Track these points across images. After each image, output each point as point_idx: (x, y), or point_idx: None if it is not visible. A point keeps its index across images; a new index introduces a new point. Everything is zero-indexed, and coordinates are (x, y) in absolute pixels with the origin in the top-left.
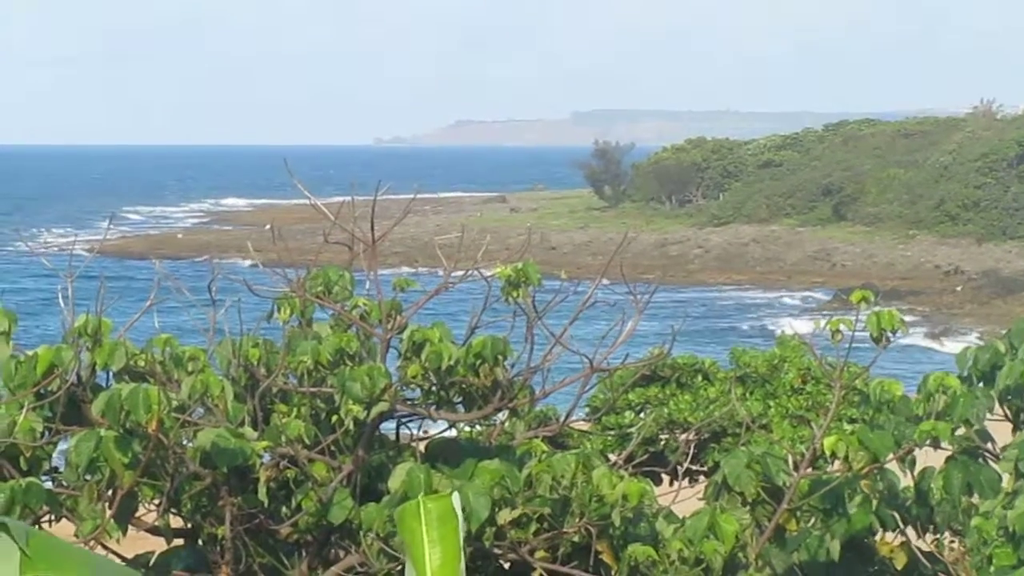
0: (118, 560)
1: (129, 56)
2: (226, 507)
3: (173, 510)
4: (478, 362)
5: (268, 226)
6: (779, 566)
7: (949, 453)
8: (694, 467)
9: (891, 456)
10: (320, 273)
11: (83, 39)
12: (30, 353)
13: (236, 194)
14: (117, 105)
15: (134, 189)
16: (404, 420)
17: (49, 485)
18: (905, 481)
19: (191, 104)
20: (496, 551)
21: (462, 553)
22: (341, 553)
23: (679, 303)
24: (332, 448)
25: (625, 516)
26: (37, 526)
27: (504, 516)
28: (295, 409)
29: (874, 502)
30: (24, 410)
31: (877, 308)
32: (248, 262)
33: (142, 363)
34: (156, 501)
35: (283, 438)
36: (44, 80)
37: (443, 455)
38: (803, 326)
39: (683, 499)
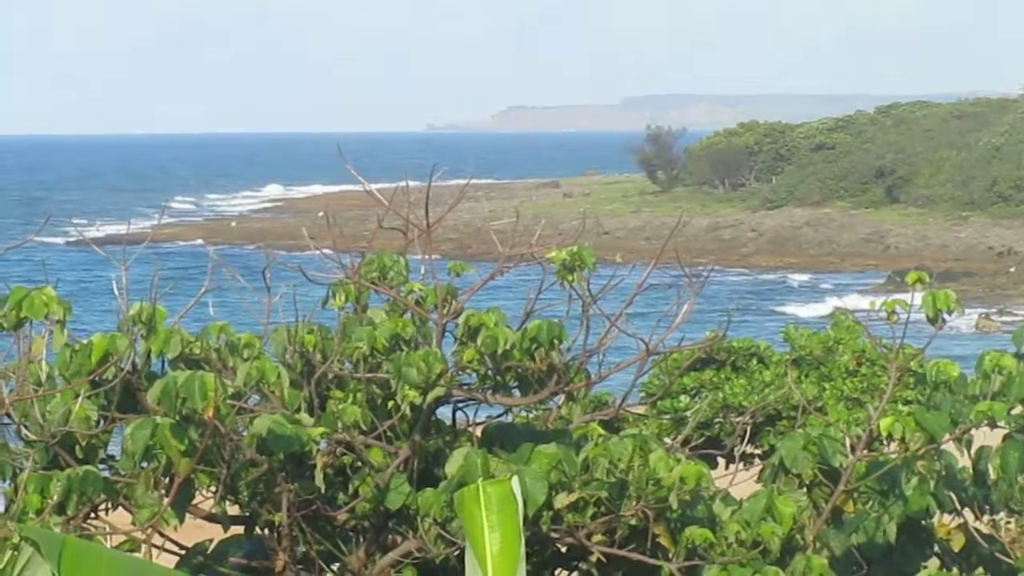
0: (176, 547)
1: (179, 46)
2: (283, 494)
3: (230, 497)
4: (534, 346)
5: (322, 213)
6: (837, 548)
7: (1006, 432)
8: (749, 450)
9: (948, 437)
10: (375, 259)
11: (144, 31)
12: (85, 341)
13: (288, 181)
14: (170, 94)
15: (186, 178)
16: (460, 405)
17: (106, 473)
18: (962, 462)
19: (248, 94)
20: (553, 535)
21: (522, 537)
22: (398, 539)
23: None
24: (388, 434)
25: (682, 499)
26: (94, 514)
27: (561, 500)
28: (351, 395)
29: (931, 483)
30: (79, 398)
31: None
32: (302, 249)
33: (197, 350)
34: (213, 488)
35: (339, 424)
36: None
37: (500, 440)
38: (858, 307)
39: (739, 482)
